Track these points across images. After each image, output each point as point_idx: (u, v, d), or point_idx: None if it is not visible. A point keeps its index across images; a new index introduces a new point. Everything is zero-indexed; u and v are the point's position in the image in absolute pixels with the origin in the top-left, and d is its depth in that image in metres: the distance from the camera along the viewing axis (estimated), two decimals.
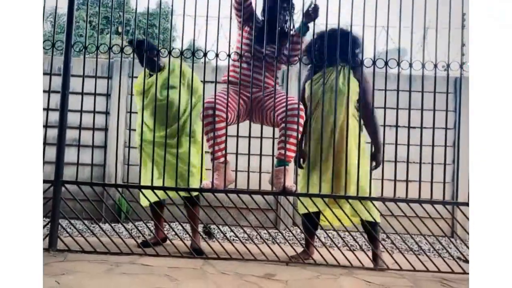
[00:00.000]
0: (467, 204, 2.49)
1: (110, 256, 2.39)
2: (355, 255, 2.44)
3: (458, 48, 2.60)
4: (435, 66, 2.50)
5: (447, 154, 2.69)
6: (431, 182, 2.51)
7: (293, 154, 2.47)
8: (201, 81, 2.66)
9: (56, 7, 2.60)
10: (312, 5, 2.45)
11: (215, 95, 2.47)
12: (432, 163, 2.53)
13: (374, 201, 2.47)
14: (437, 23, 2.56)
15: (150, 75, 2.84)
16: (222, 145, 2.46)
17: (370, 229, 2.48)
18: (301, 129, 2.45)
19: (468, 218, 2.55)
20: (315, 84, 2.62)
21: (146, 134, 2.77)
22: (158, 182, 2.57)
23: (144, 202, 2.70)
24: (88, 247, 2.45)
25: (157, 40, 2.45)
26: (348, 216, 2.46)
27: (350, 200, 2.44)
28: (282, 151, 2.43)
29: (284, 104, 2.43)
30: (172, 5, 2.74)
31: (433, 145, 2.54)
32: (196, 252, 2.51)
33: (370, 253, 2.54)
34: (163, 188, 2.40)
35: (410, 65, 2.49)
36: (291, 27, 2.61)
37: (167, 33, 7.37)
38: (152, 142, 2.58)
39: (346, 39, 2.48)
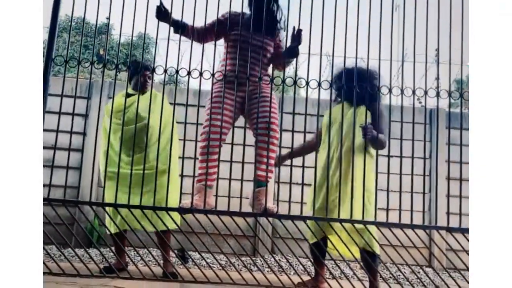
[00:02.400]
0: (445, 228, 2.52)
1: (80, 279, 2.25)
2: (351, 284, 2.38)
3: (433, 80, 2.69)
4: (414, 92, 2.56)
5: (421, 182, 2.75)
6: (411, 210, 2.52)
7: (271, 174, 2.46)
8: (184, 105, 2.62)
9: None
10: (296, 29, 2.50)
11: (210, 114, 2.43)
12: (412, 192, 2.55)
13: (356, 224, 2.45)
14: (415, 56, 2.66)
15: (128, 96, 2.79)
16: (211, 170, 2.44)
17: (369, 260, 2.45)
18: (276, 144, 2.46)
19: (447, 243, 2.60)
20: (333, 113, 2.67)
21: (115, 158, 2.68)
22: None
23: (113, 229, 2.61)
24: (57, 269, 2.31)
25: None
26: (345, 244, 2.43)
27: (349, 228, 2.42)
28: (261, 172, 2.41)
29: (263, 115, 2.44)
30: (157, 34, 2.63)
31: (412, 174, 2.57)
32: (171, 276, 2.42)
33: (366, 283, 2.48)
34: (141, 207, 2.31)
35: (390, 91, 2.54)
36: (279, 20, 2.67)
37: (147, 62, 7.42)
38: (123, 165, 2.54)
39: (362, 75, 2.56)
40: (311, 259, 2.63)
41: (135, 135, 2.46)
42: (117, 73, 2.55)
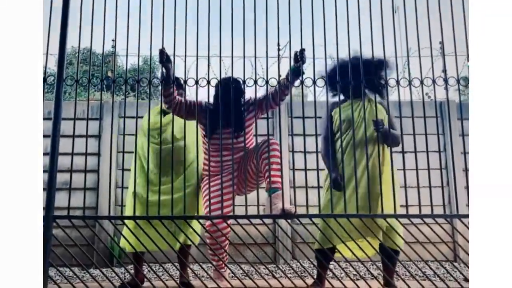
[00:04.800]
0: (467, 216, 2.47)
1: None
2: (367, 283, 2.34)
3: (440, 73, 2.67)
4: (421, 82, 2.54)
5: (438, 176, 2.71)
6: (431, 204, 2.48)
7: (280, 179, 2.49)
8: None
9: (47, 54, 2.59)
10: (299, 50, 2.53)
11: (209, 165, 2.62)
12: (430, 186, 2.51)
13: (376, 218, 2.42)
14: (419, 47, 2.64)
15: (165, 113, 2.82)
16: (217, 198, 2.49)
17: (393, 254, 2.43)
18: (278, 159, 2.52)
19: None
20: (345, 111, 2.71)
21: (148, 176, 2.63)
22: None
23: (129, 248, 2.62)
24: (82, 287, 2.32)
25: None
26: (369, 242, 2.40)
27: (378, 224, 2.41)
28: (273, 179, 2.43)
29: (266, 143, 2.53)
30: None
31: (428, 168, 2.53)
32: (185, 286, 2.49)
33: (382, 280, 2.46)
34: (172, 218, 2.31)
35: (398, 83, 2.53)
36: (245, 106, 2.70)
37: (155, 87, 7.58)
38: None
39: (368, 67, 2.54)
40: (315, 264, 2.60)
41: (173, 156, 2.48)
42: (126, 94, 2.60)
